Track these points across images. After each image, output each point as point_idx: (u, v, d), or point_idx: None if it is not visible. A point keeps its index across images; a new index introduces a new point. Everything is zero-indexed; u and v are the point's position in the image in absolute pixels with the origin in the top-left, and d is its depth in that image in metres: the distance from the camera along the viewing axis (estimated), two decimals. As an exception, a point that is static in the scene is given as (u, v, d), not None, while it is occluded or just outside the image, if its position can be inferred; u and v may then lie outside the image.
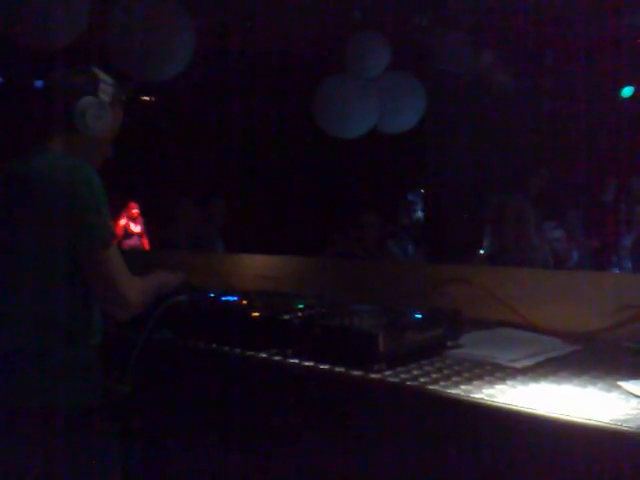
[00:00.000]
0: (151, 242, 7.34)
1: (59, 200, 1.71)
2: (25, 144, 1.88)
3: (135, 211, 7.38)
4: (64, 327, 1.75)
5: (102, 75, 1.90)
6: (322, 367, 1.81)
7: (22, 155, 1.82)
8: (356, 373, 1.75)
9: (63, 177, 1.73)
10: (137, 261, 2.02)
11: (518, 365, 1.81)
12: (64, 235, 1.72)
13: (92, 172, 1.78)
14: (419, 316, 1.94)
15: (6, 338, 1.74)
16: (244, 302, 2.24)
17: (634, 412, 1.42)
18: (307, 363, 1.85)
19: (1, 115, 4.40)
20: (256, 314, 2.06)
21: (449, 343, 1.99)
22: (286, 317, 2.02)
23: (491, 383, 1.65)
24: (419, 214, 5.38)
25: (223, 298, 2.30)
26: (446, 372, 1.75)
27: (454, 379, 1.69)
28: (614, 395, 1.55)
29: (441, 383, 1.65)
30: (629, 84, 6.81)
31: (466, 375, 1.72)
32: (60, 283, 1.74)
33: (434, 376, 1.71)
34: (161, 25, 3.93)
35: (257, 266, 3.05)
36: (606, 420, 1.38)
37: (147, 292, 1.88)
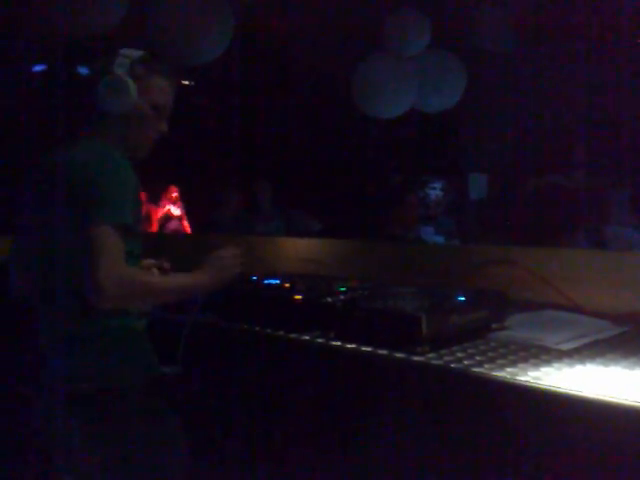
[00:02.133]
0: (193, 225, 7.41)
1: (79, 181, 1.67)
2: (72, 133, 1.88)
3: (175, 195, 7.46)
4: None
5: (125, 51, 1.83)
6: (365, 349, 1.82)
7: (66, 144, 1.82)
8: (399, 356, 1.75)
9: (86, 160, 1.70)
10: (179, 245, 2.02)
11: (564, 347, 1.79)
12: (76, 219, 1.67)
13: (117, 157, 1.72)
14: (463, 298, 1.93)
15: (58, 324, 1.75)
16: (286, 285, 2.25)
17: (684, 395, 1.40)
18: (350, 346, 1.85)
19: (47, 104, 4.45)
20: (298, 297, 2.07)
21: (493, 325, 1.97)
22: (328, 300, 2.03)
23: (536, 366, 1.64)
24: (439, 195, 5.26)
25: (265, 281, 2.31)
26: (490, 355, 1.74)
27: (499, 362, 1.67)
28: (663, 378, 1.53)
29: (485, 366, 1.64)
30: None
31: (511, 358, 1.71)
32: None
33: (478, 359, 1.70)
34: (199, 7, 3.94)
35: (299, 249, 3.06)
36: (655, 403, 1.36)
37: (135, 289, 1.68)
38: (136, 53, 1.84)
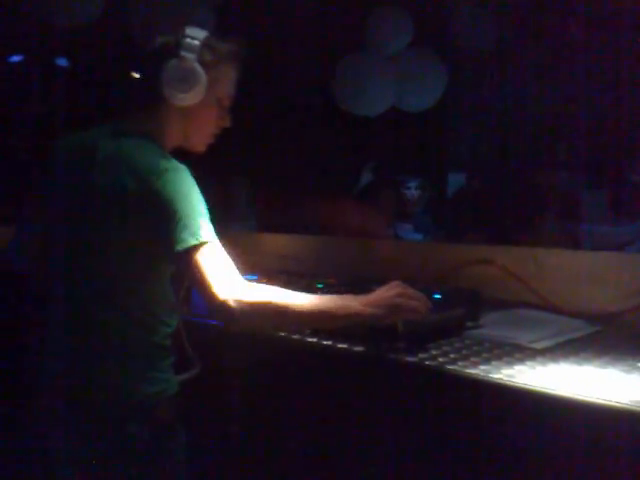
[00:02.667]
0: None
1: (145, 202, 1.50)
2: (114, 118, 1.67)
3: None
4: (145, 322, 1.59)
5: (192, 31, 1.61)
6: (340, 346, 1.82)
7: (113, 133, 1.62)
8: (374, 353, 1.75)
9: (154, 177, 1.50)
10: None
11: (538, 346, 1.80)
12: (150, 238, 1.52)
13: (185, 175, 1.54)
14: (438, 296, 1.94)
15: (92, 340, 1.58)
16: (263, 281, 2.24)
17: (655, 394, 1.41)
18: (325, 342, 1.85)
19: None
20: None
21: (468, 323, 1.99)
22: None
23: (510, 364, 1.65)
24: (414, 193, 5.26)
25: (243, 277, 2.30)
26: (465, 352, 1.75)
27: (473, 359, 1.68)
28: (634, 376, 1.55)
29: (459, 363, 1.65)
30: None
31: (485, 355, 1.72)
32: (141, 277, 1.58)
33: (452, 356, 1.71)
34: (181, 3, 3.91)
35: (277, 245, 3.06)
36: (626, 401, 1.37)
37: (268, 307, 1.48)
38: (202, 34, 1.62)
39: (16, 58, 4.91)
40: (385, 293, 1.58)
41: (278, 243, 3.10)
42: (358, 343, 1.79)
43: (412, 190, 4.75)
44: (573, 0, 4.95)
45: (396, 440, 1.68)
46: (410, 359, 1.69)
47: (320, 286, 2.17)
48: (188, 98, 1.59)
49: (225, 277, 1.46)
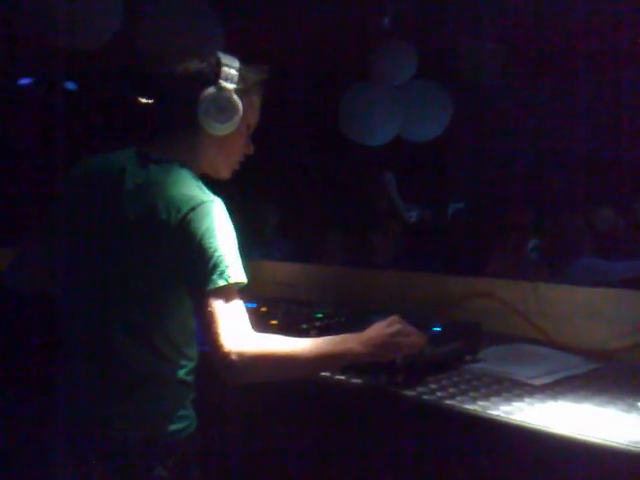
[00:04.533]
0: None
1: (178, 234, 1.46)
2: (141, 146, 1.62)
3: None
4: (171, 357, 1.56)
5: (226, 58, 1.58)
6: (338, 378, 1.81)
7: (140, 159, 1.58)
8: (372, 385, 1.75)
9: (188, 208, 1.46)
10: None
11: (536, 382, 1.79)
12: (178, 272, 1.48)
13: (220, 209, 1.50)
14: (438, 329, 1.94)
15: (118, 375, 1.54)
16: (262, 309, 2.25)
17: (653, 435, 1.40)
18: (323, 374, 1.85)
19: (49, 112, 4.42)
20: (274, 322, 2.07)
21: (467, 357, 1.98)
22: (304, 326, 2.02)
23: (508, 400, 1.64)
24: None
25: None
26: (464, 387, 1.74)
27: (471, 394, 1.68)
28: (633, 416, 1.54)
29: (458, 398, 1.64)
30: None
31: (483, 391, 1.71)
32: (167, 309, 1.54)
33: (451, 390, 1.70)
34: (191, 26, 3.95)
35: (277, 273, 3.06)
36: (624, 442, 1.36)
37: (270, 359, 1.44)
38: (236, 62, 1.59)
39: (24, 81, 4.97)
40: (383, 330, 1.56)
41: (277, 271, 3.10)
42: (356, 375, 1.79)
43: (413, 219, 4.76)
44: (576, 34, 5.00)
45: (393, 474, 1.67)
46: (408, 393, 1.68)
47: (319, 316, 2.17)
48: (226, 128, 1.57)
49: (234, 328, 1.42)
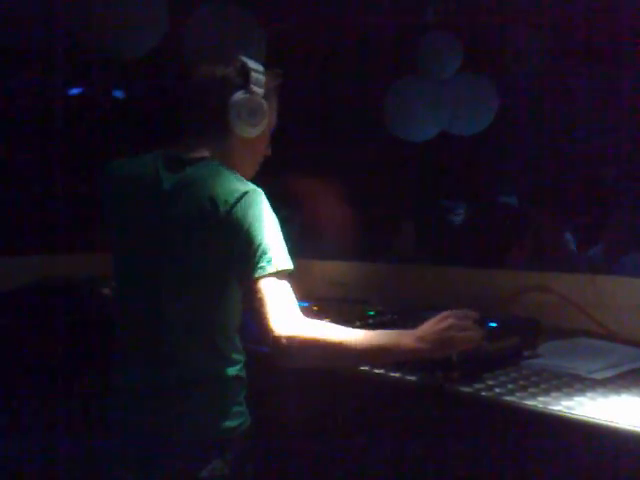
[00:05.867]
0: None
1: (227, 224, 1.48)
2: (173, 149, 1.65)
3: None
4: (224, 352, 1.58)
5: (252, 63, 1.63)
6: (393, 375, 1.79)
7: (172, 161, 1.61)
8: (428, 382, 1.72)
9: (234, 199, 1.49)
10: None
11: (598, 376, 1.75)
12: (230, 263, 1.51)
13: (264, 199, 1.54)
14: (494, 324, 1.90)
15: (175, 373, 1.55)
16: (315, 308, 2.24)
17: None
18: (377, 371, 1.83)
19: (97, 120, 4.50)
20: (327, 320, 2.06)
21: (525, 353, 1.94)
22: (357, 324, 2.01)
23: (569, 395, 1.60)
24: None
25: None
26: (522, 383, 1.71)
27: (531, 390, 1.64)
28: (702, 410, 1.48)
29: (517, 394, 1.61)
30: None
31: (543, 386, 1.67)
32: (219, 304, 1.56)
33: (510, 387, 1.67)
34: (234, 31, 3.98)
35: (328, 272, 3.05)
36: (694, 436, 1.31)
37: (319, 347, 1.44)
38: (261, 66, 1.65)
39: (75, 90, 5.06)
40: (437, 326, 1.53)
41: (327, 269, 3.09)
42: (411, 372, 1.77)
43: (460, 216, 4.69)
44: (626, 22, 4.87)
45: (451, 474, 1.64)
46: (465, 389, 1.66)
47: (371, 314, 2.16)
48: (256, 130, 1.63)
49: (284, 312, 1.44)
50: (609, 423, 1.42)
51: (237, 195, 1.50)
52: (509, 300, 2.38)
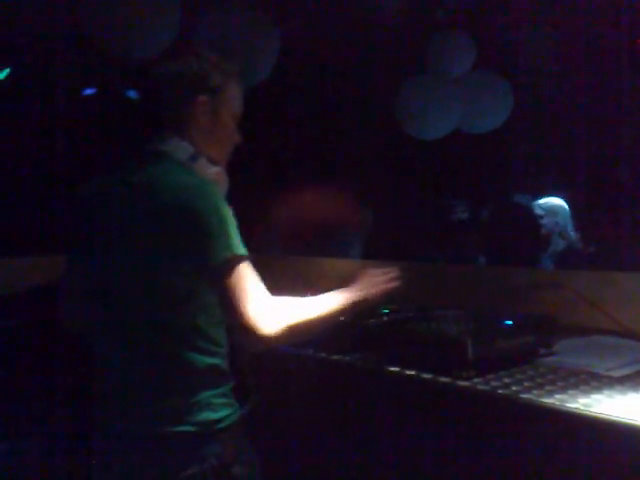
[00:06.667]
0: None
1: (179, 218, 1.51)
2: (136, 146, 1.69)
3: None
4: (197, 343, 1.57)
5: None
6: (409, 373, 1.79)
7: (135, 160, 1.66)
8: (444, 380, 1.72)
9: (184, 193, 1.53)
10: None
11: (615, 374, 1.73)
12: (186, 254, 1.53)
13: (214, 190, 1.57)
14: (509, 322, 1.89)
15: (151, 369, 1.57)
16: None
17: None
18: (393, 369, 1.82)
19: (110, 120, 4.52)
20: (341, 318, 2.05)
21: (541, 350, 1.92)
22: (371, 321, 2.00)
23: (587, 392, 1.59)
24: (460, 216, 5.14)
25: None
26: (539, 380, 1.69)
27: (547, 388, 1.63)
28: None
29: (534, 392, 1.60)
30: None
31: (560, 384, 1.66)
32: (186, 297, 1.56)
33: (526, 384, 1.66)
34: (248, 31, 3.98)
35: (341, 270, 3.04)
36: None
37: (299, 323, 1.53)
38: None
39: (89, 91, 5.08)
40: (363, 280, 1.75)
41: (342, 268, 3.08)
42: (426, 369, 1.76)
43: (465, 214, 4.67)
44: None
45: (469, 471, 1.63)
46: (482, 387, 1.65)
47: (385, 311, 2.15)
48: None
49: (256, 301, 1.49)
50: (627, 421, 1.40)
51: (186, 186, 1.54)
52: (524, 297, 2.35)
